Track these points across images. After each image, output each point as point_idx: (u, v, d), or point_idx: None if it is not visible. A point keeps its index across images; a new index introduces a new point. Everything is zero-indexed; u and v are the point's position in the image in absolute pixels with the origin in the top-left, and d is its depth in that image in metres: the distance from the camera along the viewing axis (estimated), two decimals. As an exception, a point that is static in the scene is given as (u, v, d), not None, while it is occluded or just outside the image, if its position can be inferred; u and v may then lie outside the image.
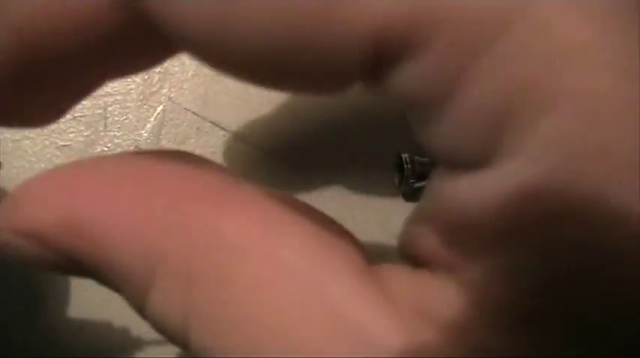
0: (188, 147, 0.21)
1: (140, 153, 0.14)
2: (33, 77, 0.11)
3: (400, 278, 0.11)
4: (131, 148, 0.20)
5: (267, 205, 0.11)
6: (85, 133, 0.21)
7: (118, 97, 0.21)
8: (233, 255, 0.11)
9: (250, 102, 0.20)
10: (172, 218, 0.11)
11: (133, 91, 0.21)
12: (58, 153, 0.20)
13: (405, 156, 0.19)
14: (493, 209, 0.08)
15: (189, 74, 0.21)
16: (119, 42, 0.10)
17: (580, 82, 0.08)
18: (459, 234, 0.09)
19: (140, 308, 0.12)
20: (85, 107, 0.21)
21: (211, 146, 0.21)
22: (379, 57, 0.08)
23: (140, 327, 0.19)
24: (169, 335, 0.11)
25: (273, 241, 0.11)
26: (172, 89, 0.21)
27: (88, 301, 0.19)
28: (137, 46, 0.10)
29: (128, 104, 0.21)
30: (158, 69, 0.21)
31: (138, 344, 0.19)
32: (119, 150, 0.20)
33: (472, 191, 0.09)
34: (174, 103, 0.21)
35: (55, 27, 0.10)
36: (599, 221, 0.08)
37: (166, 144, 0.21)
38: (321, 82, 0.09)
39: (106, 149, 0.20)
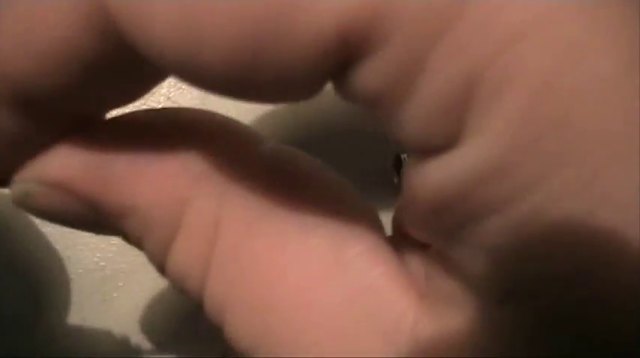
0: (187, 147, 0.21)
1: (172, 109, 0.14)
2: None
3: (416, 258, 0.11)
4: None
5: (293, 167, 0.12)
6: (84, 133, 0.20)
7: (117, 97, 0.21)
8: (258, 211, 0.11)
9: (249, 102, 0.20)
10: (202, 168, 0.11)
11: (131, 91, 0.21)
12: (57, 153, 0.20)
13: (403, 156, 0.19)
14: (461, 187, 0.09)
15: (188, 74, 0.21)
16: (107, 69, 0.10)
17: (532, 60, 0.08)
18: (435, 219, 0.09)
19: (161, 258, 0.12)
20: (83, 107, 0.21)
21: (210, 146, 0.21)
22: (342, 57, 0.08)
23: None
24: (186, 285, 0.12)
25: (296, 201, 0.11)
26: (171, 89, 0.21)
27: (88, 306, 0.19)
28: (124, 71, 0.10)
29: (127, 104, 0.21)
30: (157, 68, 0.21)
31: (137, 352, 0.19)
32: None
33: (440, 173, 0.09)
34: (173, 103, 0.21)
35: (40, 66, 0.10)
36: (561, 190, 0.08)
37: (165, 144, 0.21)
38: (291, 87, 0.09)
39: (104, 149, 0.20)
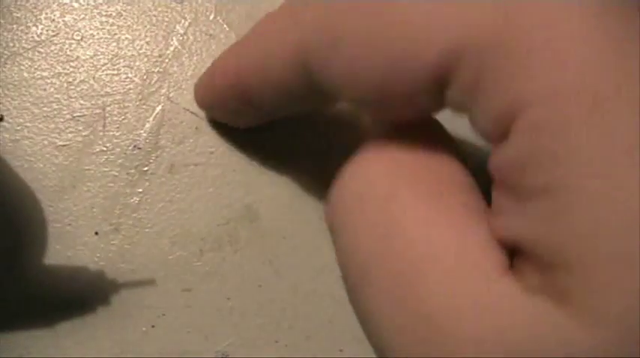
0: (187, 146, 0.21)
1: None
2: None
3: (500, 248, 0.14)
4: (130, 149, 0.20)
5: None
6: (84, 133, 0.21)
7: (117, 97, 0.21)
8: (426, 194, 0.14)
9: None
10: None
11: (131, 91, 0.21)
12: (57, 153, 0.20)
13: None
14: (508, 166, 0.13)
15: (188, 74, 0.21)
16: (300, 96, 0.16)
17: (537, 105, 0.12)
18: (507, 189, 0.13)
19: None
20: (83, 107, 0.21)
21: (210, 146, 0.21)
22: (438, 81, 0.13)
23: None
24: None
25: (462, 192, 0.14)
26: (171, 89, 0.21)
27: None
28: (311, 97, 0.16)
29: (127, 104, 0.21)
30: (157, 69, 0.21)
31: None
32: (118, 150, 0.20)
33: (499, 155, 0.13)
34: (172, 103, 0.21)
35: (262, 85, 0.17)
36: (567, 170, 0.11)
37: (165, 143, 0.21)
38: (417, 100, 0.14)
39: (104, 149, 0.20)
